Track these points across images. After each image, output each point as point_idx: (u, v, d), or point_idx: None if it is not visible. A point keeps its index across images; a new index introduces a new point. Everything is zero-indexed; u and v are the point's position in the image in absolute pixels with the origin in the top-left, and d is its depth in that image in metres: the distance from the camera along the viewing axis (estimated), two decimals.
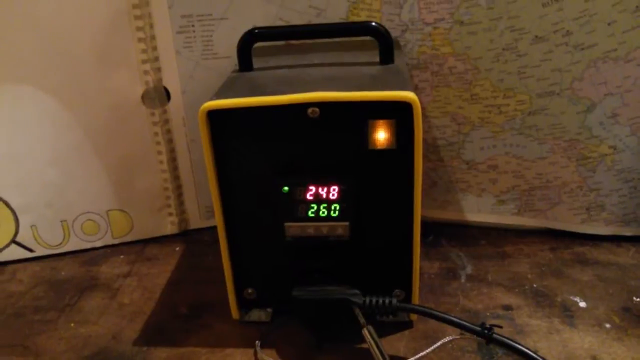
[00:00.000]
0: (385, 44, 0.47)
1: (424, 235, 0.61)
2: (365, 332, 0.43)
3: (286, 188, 0.44)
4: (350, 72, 0.47)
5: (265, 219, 0.46)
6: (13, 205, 0.61)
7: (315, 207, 0.45)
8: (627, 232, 0.59)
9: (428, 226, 0.64)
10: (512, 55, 0.55)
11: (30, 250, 0.63)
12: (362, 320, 0.43)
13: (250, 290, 0.50)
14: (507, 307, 0.50)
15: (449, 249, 0.60)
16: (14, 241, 0.63)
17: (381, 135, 0.42)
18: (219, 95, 0.43)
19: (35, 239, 0.63)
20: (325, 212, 0.45)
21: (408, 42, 0.57)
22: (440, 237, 0.62)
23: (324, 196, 0.44)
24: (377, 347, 0.42)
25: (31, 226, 0.62)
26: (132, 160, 0.62)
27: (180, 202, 0.66)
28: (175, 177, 0.65)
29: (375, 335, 0.43)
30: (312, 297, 0.45)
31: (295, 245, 0.46)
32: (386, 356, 0.42)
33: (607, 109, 0.55)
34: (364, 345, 0.46)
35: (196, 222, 0.68)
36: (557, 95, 0.55)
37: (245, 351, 0.47)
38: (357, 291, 0.45)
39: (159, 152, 0.63)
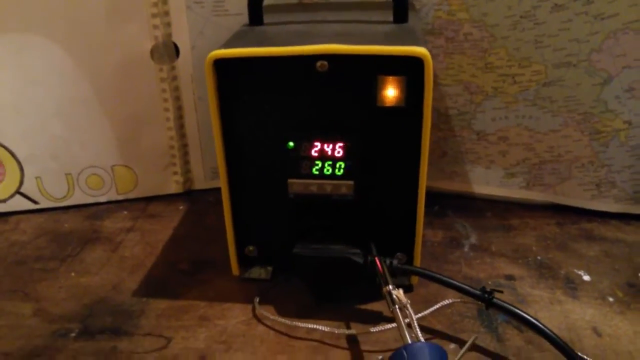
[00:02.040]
0: (399, 2, 0.46)
1: (430, 205, 0.61)
2: (377, 260, 0.43)
3: (291, 143, 0.44)
4: (362, 28, 0.46)
5: (269, 175, 0.45)
6: (19, 155, 0.61)
7: (320, 164, 0.44)
8: (637, 210, 0.58)
9: (435, 197, 0.63)
10: (529, 24, 0.54)
11: (35, 202, 0.64)
12: (374, 252, 0.44)
13: (251, 248, 0.49)
14: (510, 277, 0.50)
15: (454, 219, 0.60)
16: (18, 192, 0.63)
17: (390, 92, 0.41)
18: (227, 45, 0.42)
19: (40, 191, 0.63)
20: (330, 170, 0.44)
21: (424, 5, 0.56)
22: (447, 208, 0.62)
23: (329, 153, 0.43)
24: (385, 274, 0.42)
25: (36, 178, 0.62)
26: (139, 116, 0.62)
27: (186, 162, 0.66)
28: (182, 136, 0.64)
29: (385, 266, 0.43)
30: (313, 254, 0.45)
31: (298, 203, 0.46)
32: (389, 280, 0.42)
33: (624, 83, 0.53)
34: (363, 305, 0.46)
35: (201, 182, 0.67)
36: (573, 66, 0.54)
37: (244, 306, 0.47)
38: (358, 250, 0.44)
39: (166, 110, 0.62)
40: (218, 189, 0.46)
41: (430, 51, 0.57)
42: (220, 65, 0.41)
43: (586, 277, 0.50)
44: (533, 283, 0.49)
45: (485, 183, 0.62)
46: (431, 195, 0.62)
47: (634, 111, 0.54)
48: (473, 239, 0.56)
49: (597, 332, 0.43)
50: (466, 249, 0.54)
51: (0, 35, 0.56)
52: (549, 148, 0.58)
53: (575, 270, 0.51)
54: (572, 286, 0.48)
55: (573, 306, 0.46)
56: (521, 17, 0.54)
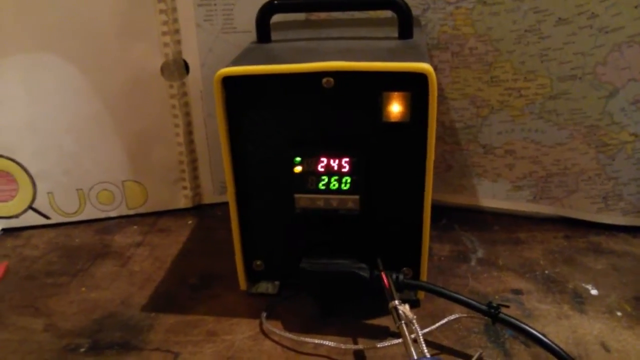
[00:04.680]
0: (404, 18, 0.46)
1: (437, 219, 0.61)
2: (383, 275, 0.43)
3: (298, 159, 0.44)
4: (368, 45, 0.47)
5: (276, 190, 0.46)
6: (31, 171, 0.62)
7: (326, 179, 0.44)
8: None
9: (441, 210, 0.63)
10: (534, 37, 0.54)
11: (46, 217, 0.65)
12: (381, 267, 0.44)
13: (258, 262, 0.50)
14: (517, 291, 0.50)
15: (461, 233, 0.60)
16: (30, 207, 0.64)
17: (395, 108, 0.41)
18: (235, 62, 0.43)
19: (52, 206, 0.64)
20: (336, 185, 0.44)
21: (429, 21, 0.56)
22: (453, 222, 0.62)
23: (335, 168, 0.44)
24: (391, 289, 0.42)
25: (48, 193, 0.63)
26: (149, 132, 0.63)
27: (195, 177, 0.67)
28: (191, 151, 0.65)
29: (392, 281, 0.43)
30: (320, 269, 0.45)
31: (305, 218, 0.46)
32: (395, 295, 0.42)
33: (629, 95, 0.53)
34: (369, 320, 0.46)
35: (210, 197, 0.68)
36: (579, 79, 0.54)
37: (251, 321, 0.47)
38: (364, 265, 0.45)
39: (176, 125, 0.63)
40: (227, 204, 0.47)
41: (436, 66, 0.58)
42: (229, 82, 0.42)
43: (594, 291, 0.49)
44: (540, 297, 0.49)
45: (492, 196, 0.62)
46: (438, 208, 0.62)
47: None
48: (480, 253, 0.56)
49: (605, 347, 0.43)
50: (473, 262, 0.54)
51: (14, 53, 0.57)
52: (555, 161, 0.58)
53: (583, 284, 0.50)
54: (579, 300, 0.48)
55: (581, 321, 0.46)
56: (526, 31, 0.54)
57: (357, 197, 0.44)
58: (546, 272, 0.52)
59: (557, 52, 0.54)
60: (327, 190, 0.45)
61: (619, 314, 0.46)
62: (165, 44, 0.59)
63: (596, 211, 0.59)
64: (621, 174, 0.56)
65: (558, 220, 0.61)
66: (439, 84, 0.58)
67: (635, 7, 0.50)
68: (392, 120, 0.42)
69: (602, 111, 0.55)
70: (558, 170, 0.58)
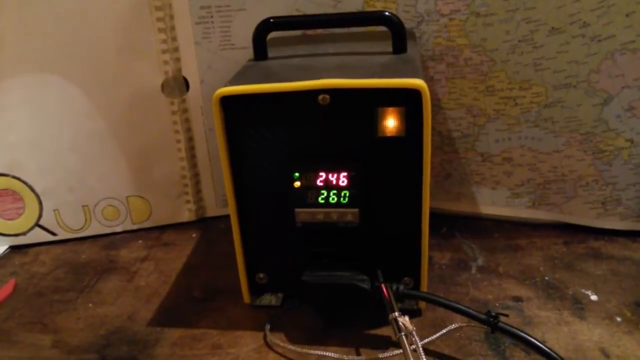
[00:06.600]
0: (397, 33, 0.47)
1: (437, 227, 0.62)
2: (383, 287, 0.44)
3: (297, 174, 0.45)
4: (362, 60, 0.47)
5: (277, 205, 0.47)
6: (37, 189, 0.63)
7: (325, 194, 0.45)
8: None
9: (441, 218, 0.64)
10: (528, 47, 0.55)
11: (53, 234, 0.66)
12: (381, 278, 0.45)
13: (261, 275, 0.51)
14: (517, 299, 0.50)
15: (462, 240, 0.60)
16: (37, 225, 0.65)
17: (390, 123, 0.42)
18: (232, 82, 0.44)
19: (58, 223, 0.65)
20: (335, 199, 0.45)
21: (424, 33, 0.57)
22: (454, 229, 0.62)
23: (334, 182, 0.45)
24: (391, 300, 0.43)
25: (54, 210, 0.64)
26: (152, 148, 0.64)
27: (198, 190, 0.68)
28: (193, 166, 0.66)
29: (392, 293, 0.43)
30: (321, 281, 0.46)
31: (306, 231, 0.47)
32: (395, 307, 0.42)
33: (624, 102, 0.54)
34: (371, 330, 0.47)
35: (213, 210, 0.69)
36: (573, 87, 0.55)
37: (255, 334, 0.48)
38: (365, 277, 0.45)
39: (178, 141, 0.64)
40: (229, 216, 0.48)
41: (432, 77, 0.59)
42: (227, 101, 0.43)
43: (594, 297, 0.50)
44: (540, 304, 0.49)
45: (492, 203, 0.63)
46: (438, 216, 0.63)
47: (636, 129, 0.55)
48: (480, 261, 0.56)
49: (605, 353, 0.43)
50: (474, 270, 0.55)
51: (18, 75, 0.59)
52: (552, 168, 0.59)
53: (583, 290, 0.51)
54: (579, 306, 0.49)
55: (580, 327, 0.46)
56: (519, 41, 0.55)
57: (356, 210, 0.45)
58: (546, 278, 0.53)
59: (550, 61, 0.54)
60: (327, 204, 0.45)
61: (618, 319, 0.47)
62: (165, 62, 0.60)
63: (595, 216, 0.59)
64: (619, 180, 0.57)
65: (557, 226, 0.61)
66: (435, 94, 0.59)
67: (627, 15, 0.51)
68: (388, 134, 0.43)
69: (597, 118, 0.55)
70: (556, 177, 0.59)
